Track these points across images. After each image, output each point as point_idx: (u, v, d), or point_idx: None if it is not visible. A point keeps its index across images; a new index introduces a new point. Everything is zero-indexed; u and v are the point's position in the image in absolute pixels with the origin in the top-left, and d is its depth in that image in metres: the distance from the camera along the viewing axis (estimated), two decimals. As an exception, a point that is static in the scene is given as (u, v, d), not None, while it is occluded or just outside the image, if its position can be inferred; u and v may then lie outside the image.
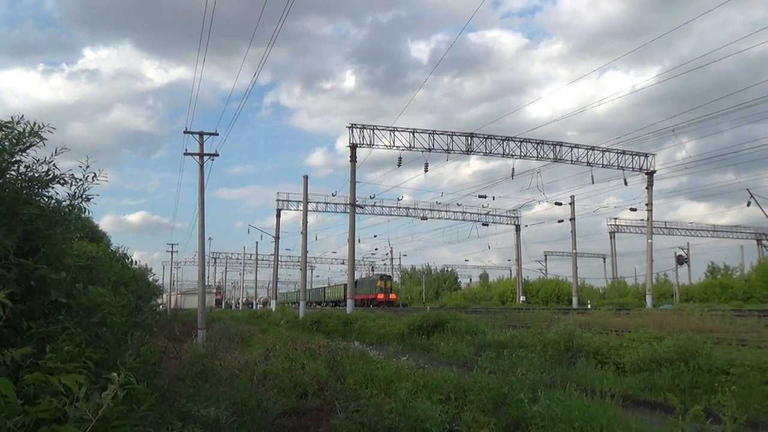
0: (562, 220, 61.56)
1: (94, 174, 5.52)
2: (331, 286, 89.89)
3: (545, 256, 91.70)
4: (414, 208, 62.00)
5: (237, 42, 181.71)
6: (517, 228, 68.87)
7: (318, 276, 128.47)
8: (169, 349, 11.45)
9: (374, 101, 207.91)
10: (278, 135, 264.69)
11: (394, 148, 40.54)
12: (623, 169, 46.05)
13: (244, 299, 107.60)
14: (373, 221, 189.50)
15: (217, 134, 26.80)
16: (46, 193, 5.34)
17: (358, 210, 43.73)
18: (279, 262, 66.66)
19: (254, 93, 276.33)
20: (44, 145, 5.22)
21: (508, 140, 42.56)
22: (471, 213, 63.77)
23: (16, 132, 5.14)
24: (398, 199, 62.06)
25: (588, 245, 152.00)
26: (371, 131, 40.52)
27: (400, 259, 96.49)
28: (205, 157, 26.66)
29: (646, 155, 46.58)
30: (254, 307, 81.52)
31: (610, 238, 76.23)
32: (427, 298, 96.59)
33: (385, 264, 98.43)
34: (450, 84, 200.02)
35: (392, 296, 67.55)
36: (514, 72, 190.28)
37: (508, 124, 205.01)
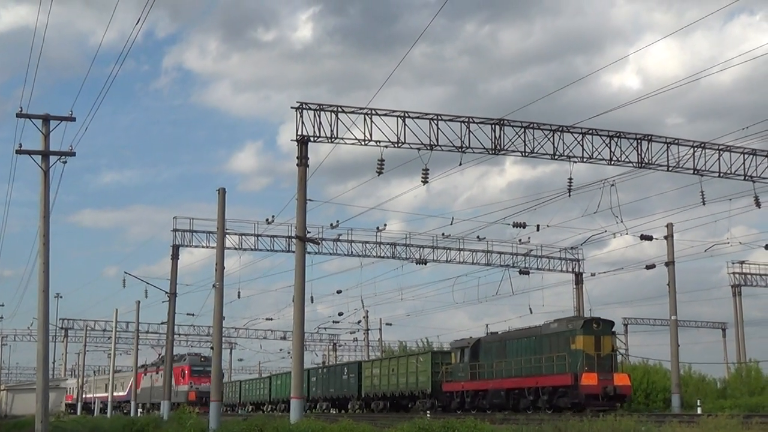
0: (654, 266, 50.52)
1: None
2: (372, 360, 50.72)
3: (625, 325, 77.67)
4: (405, 245, 49.46)
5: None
6: (578, 278, 57.49)
7: (242, 360, 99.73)
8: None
9: (345, 63, 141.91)
10: (181, 120, 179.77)
11: (372, 143, 32.03)
12: (754, 181, 36.41)
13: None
14: (339, 265, 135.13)
15: (74, 119, 23.76)
16: None
17: (310, 247, 37.09)
18: (177, 336, 58.76)
19: (142, 49, 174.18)
20: None
21: (564, 131, 33.70)
22: (502, 253, 52.04)
23: None
24: (378, 229, 47.98)
25: (697, 307, 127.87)
26: (333, 115, 31.30)
27: (381, 329, 72.26)
28: (53, 158, 24.07)
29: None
30: (132, 412, 59.48)
31: (734, 294, 64.04)
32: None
33: (355, 339, 77.94)
34: (475, 34, 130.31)
35: (621, 379, 31.84)
36: (583, 15, 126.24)
37: (567, 103, 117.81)
